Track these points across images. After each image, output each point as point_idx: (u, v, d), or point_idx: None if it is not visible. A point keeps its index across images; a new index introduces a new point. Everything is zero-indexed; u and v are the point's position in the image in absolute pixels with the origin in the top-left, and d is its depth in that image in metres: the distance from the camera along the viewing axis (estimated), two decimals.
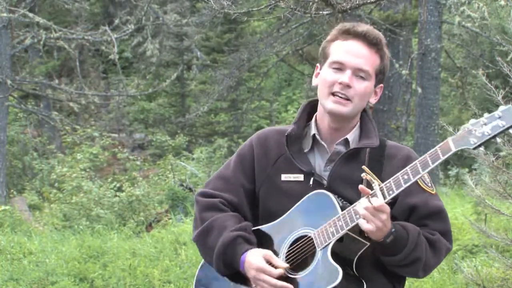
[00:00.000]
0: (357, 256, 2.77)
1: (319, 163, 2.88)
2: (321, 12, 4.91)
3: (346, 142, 2.87)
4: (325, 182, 2.84)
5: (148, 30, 19.21)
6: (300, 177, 2.86)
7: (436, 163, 2.64)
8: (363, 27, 2.86)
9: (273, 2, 5.00)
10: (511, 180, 5.21)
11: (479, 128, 2.59)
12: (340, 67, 2.81)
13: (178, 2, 21.35)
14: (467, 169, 14.14)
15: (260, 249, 2.83)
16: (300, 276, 2.78)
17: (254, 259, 2.79)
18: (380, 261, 2.82)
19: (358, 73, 2.81)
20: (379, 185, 2.69)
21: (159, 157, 19.65)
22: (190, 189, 13.17)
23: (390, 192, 2.68)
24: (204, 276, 3.00)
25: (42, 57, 20.29)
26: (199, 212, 2.94)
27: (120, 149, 19.09)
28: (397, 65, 14.83)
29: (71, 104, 17.96)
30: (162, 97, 22.86)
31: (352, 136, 2.88)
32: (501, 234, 5.65)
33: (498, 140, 2.61)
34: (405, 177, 2.67)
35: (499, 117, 2.57)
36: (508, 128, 2.56)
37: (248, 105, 20.54)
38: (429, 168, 2.65)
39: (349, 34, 2.83)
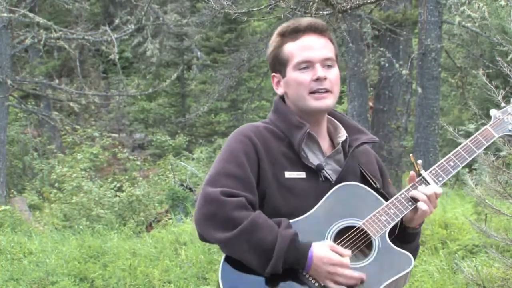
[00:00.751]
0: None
1: (313, 159, 2.85)
2: (321, 12, 4.90)
3: (345, 139, 2.90)
4: (330, 177, 2.83)
5: (148, 30, 19.22)
6: (302, 174, 2.81)
7: (481, 149, 2.83)
8: (306, 20, 2.87)
9: (273, 2, 5.00)
10: (511, 180, 5.21)
11: (510, 116, 2.86)
12: (307, 65, 2.81)
13: (178, 2, 21.35)
14: (467, 169, 14.14)
15: (322, 242, 2.73)
16: (362, 265, 2.74)
17: (323, 252, 2.69)
18: None
19: (326, 62, 2.82)
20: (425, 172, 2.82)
21: (159, 157, 19.66)
22: (190, 189, 13.17)
23: (440, 178, 2.82)
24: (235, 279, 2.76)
25: (42, 57, 20.29)
26: (229, 211, 2.69)
27: (120, 149, 19.08)
28: (397, 65, 14.83)
29: (71, 104, 17.97)
30: (162, 97, 22.86)
31: (344, 134, 2.91)
32: (501, 234, 5.65)
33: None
34: (451, 163, 2.83)
35: None
36: None
37: (248, 105, 20.55)
38: (475, 154, 2.83)
39: (297, 32, 2.83)
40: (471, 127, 13.38)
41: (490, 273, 5.84)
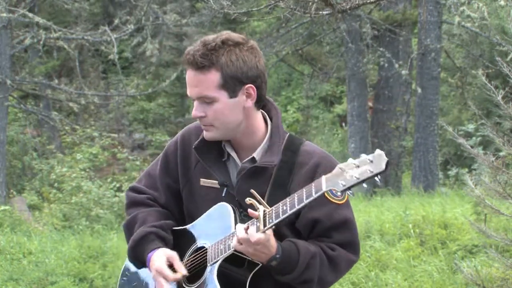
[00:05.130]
0: (251, 275, 2.70)
1: (233, 173, 2.85)
2: (320, 12, 4.90)
3: (253, 159, 2.82)
4: (233, 194, 2.82)
5: (148, 30, 19.18)
6: (216, 184, 2.84)
7: (310, 199, 2.54)
8: (192, 50, 2.74)
9: (273, 2, 4.99)
10: (511, 180, 5.21)
11: (351, 170, 2.48)
12: (193, 99, 2.83)
13: (178, 2, 21.36)
14: (466, 169, 14.14)
15: (167, 250, 2.80)
16: None
17: (157, 259, 2.78)
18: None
19: (204, 100, 2.78)
20: (264, 210, 2.61)
21: None
22: None
23: (270, 220, 2.59)
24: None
25: (42, 57, 20.27)
26: (126, 207, 3.00)
27: (120, 149, 19.08)
28: (397, 65, 14.84)
29: (70, 104, 17.95)
30: (162, 97, 22.86)
31: (259, 153, 2.82)
32: (500, 234, 5.65)
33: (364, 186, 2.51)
34: (284, 208, 2.58)
35: (370, 162, 2.45)
36: (375, 175, 2.44)
37: None
38: (303, 204, 2.55)
39: (185, 64, 2.76)
40: (471, 127, 13.39)
41: (490, 273, 5.84)
